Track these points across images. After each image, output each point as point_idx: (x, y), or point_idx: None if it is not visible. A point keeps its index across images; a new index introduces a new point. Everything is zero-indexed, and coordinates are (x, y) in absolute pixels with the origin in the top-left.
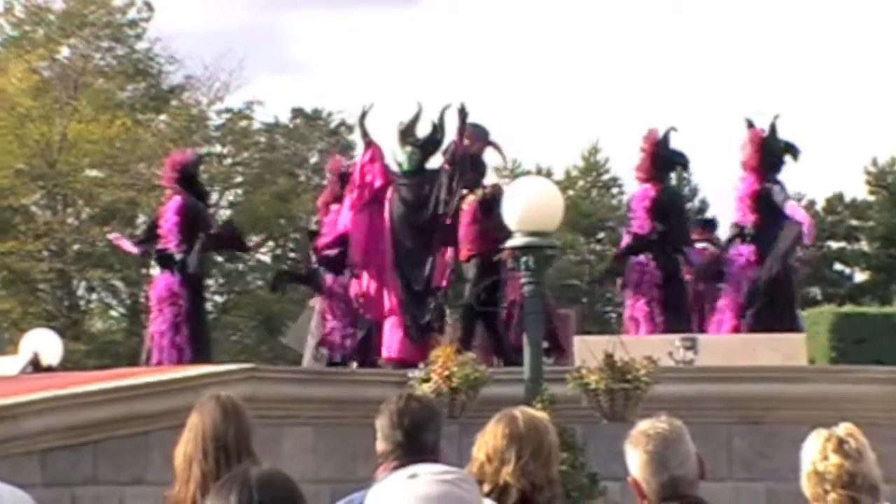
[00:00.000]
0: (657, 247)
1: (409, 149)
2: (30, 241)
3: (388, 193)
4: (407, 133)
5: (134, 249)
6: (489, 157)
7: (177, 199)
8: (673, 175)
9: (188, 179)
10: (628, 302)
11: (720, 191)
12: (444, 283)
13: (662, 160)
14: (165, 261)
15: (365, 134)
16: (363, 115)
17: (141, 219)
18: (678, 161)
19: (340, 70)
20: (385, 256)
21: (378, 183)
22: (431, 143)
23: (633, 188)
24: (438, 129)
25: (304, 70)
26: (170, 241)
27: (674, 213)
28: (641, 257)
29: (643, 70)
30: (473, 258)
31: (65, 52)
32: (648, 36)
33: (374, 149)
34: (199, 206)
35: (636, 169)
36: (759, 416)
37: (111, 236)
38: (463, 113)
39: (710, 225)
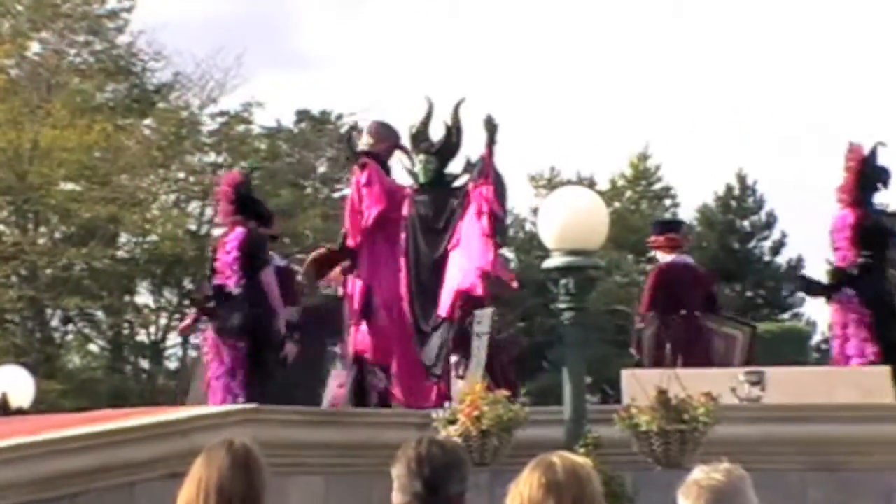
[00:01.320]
0: (862, 280)
1: (422, 157)
2: None
3: (405, 210)
4: (419, 138)
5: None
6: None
7: (239, 231)
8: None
9: (245, 202)
10: (836, 342)
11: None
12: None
13: (868, 180)
14: (224, 298)
15: (355, 153)
16: (350, 133)
17: (123, 238)
18: (882, 178)
19: (352, 66)
20: (395, 291)
21: (378, 208)
22: (447, 148)
23: (687, 199)
24: (453, 130)
25: (310, 66)
26: (228, 276)
27: (879, 238)
28: (846, 292)
29: (695, 68)
30: None
31: (35, 47)
32: (699, 34)
33: (369, 168)
34: (261, 240)
35: (839, 190)
36: (837, 461)
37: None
38: (491, 124)
39: (673, 227)
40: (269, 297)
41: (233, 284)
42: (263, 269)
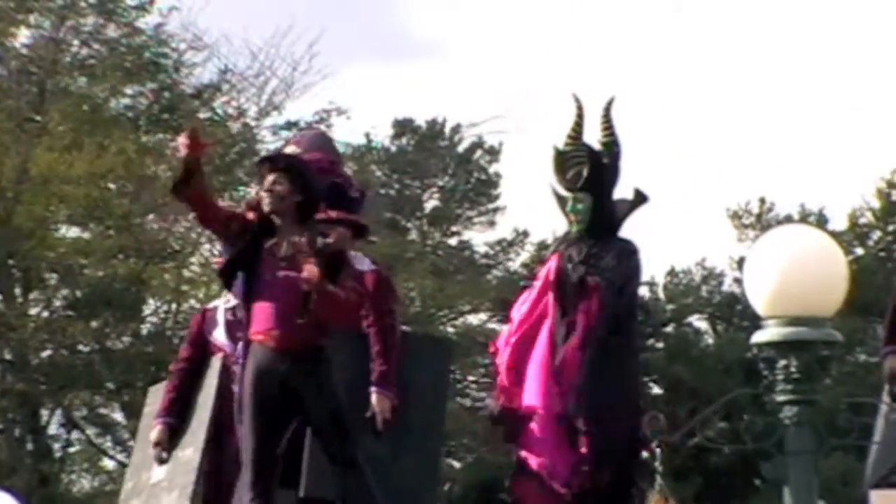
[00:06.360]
0: None
1: (569, 195)
2: None
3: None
4: (567, 162)
5: None
6: None
7: None
8: None
9: None
10: None
11: None
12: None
13: None
14: None
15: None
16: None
17: (150, 306)
18: None
19: (471, 56)
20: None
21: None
22: (600, 176)
23: None
24: (609, 148)
25: (412, 57)
26: None
27: None
28: None
29: None
30: None
31: (24, 36)
32: None
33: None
34: None
35: None
36: None
37: None
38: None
39: None
40: None
41: None
42: None
